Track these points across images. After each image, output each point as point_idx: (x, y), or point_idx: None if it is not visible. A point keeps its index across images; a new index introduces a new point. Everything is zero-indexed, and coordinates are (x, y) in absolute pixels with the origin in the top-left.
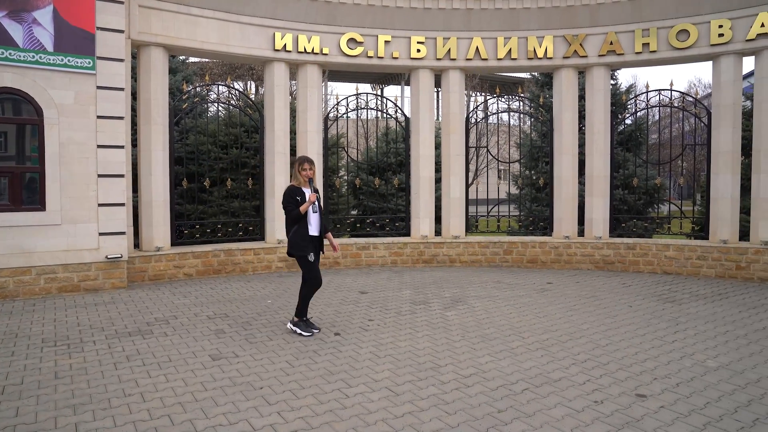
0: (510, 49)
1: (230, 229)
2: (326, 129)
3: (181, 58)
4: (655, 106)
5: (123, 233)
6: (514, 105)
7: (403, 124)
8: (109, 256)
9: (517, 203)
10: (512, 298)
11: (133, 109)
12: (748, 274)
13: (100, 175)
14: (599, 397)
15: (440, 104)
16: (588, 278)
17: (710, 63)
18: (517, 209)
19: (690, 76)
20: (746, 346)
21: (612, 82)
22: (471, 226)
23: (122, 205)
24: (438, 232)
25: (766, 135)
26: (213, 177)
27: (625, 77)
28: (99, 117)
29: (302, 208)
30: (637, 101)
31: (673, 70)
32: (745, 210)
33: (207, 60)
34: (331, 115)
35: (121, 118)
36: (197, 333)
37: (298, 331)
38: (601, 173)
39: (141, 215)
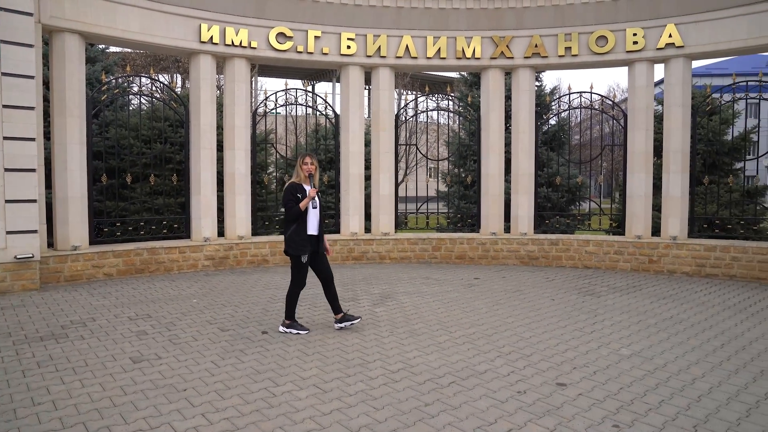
0: (439, 49)
1: (154, 227)
2: (254, 124)
3: (100, 46)
4: (577, 108)
5: (34, 231)
6: (444, 104)
7: (332, 120)
8: (18, 256)
9: (446, 200)
10: (440, 293)
11: (47, 100)
12: (659, 267)
13: (6, 170)
14: (522, 388)
15: (370, 101)
16: (514, 273)
17: (626, 68)
18: (446, 206)
19: (610, 81)
20: (656, 334)
21: (537, 83)
22: (401, 223)
23: (33, 201)
24: (368, 229)
25: (675, 137)
26: (136, 173)
27: (550, 79)
28: (5, 106)
29: (302, 204)
30: (560, 103)
31: (595, 73)
32: (657, 207)
33: (130, 50)
34: (259, 110)
35: (31, 108)
36: (117, 335)
37: (294, 332)
38: (526, 171)
39: (56, 213)
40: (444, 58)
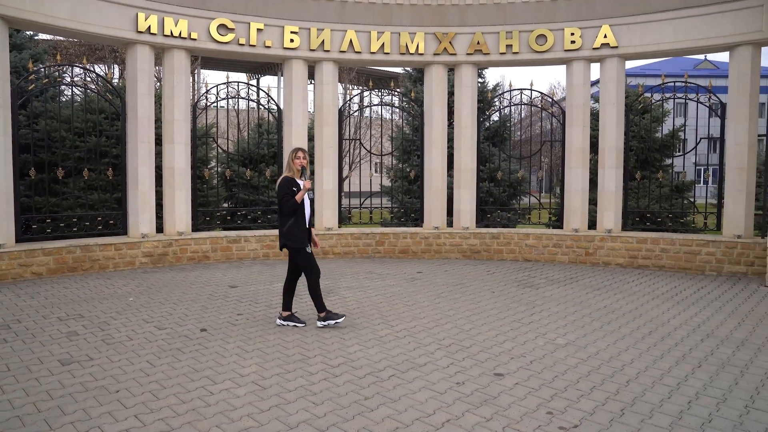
0: (383, 44)
1: (88, 223)
2: (195, 118)
3: (28, 33)
4: (517, 105)
5: None
6: (388, 99)
7: (276, 115)
8: None
9: (390, 195)
10: (383, 288)
11: None
12: (595, 259)
13: None
14: (461, 379)
15: (314, 96)
16: (456, 267)
17: (565, 67)
18: (390, 201)
19: (553, 79)
20: (590, 323)
21: (480, 80)
22: (345, 218)
23: None
24: (311, 224)
25: (610, 134)
26: (68, 167)
27: (494, 76)
28: None
29: (298, 197)
30: (502, 99)
31: (539, 71)
32: (594, 201)
33: (62, 38)
34: (200, 103)
35: None
36: (45, 337)
37: (332, 322)
38: (468, 166)
39: None
40: (388, 54)
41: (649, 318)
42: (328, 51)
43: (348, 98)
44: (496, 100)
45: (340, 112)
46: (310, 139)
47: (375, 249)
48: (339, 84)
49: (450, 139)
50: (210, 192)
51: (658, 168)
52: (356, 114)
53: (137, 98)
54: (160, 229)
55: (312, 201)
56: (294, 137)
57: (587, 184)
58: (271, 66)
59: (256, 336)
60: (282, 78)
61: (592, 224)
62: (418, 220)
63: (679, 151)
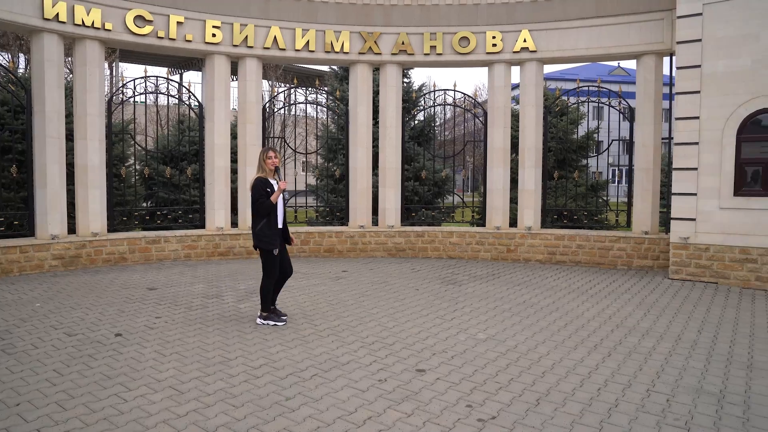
0: (308, 41)
1: None
2: (110, 113)
3: None
4: (441, 105)
5: None
6: (313, 97)
7: (197, 111)
8: None
9: (316, 194)
10: (307, 287)
11: None
12: (516, 256)
13: None
14: (383, 376)
15: (237, 93)
16: (381, 265)
17: (487, 69)
18: (316, 200)
19: (478, 81)
20: (510, 318)
21: (406, 80)
22: None
23: None
24: (235, 224)
25: (530, 135)
26: None
27: (420, 77)
28: None
29: (273, 197)
30: (426, 99)
31: (463, 73)
32: (515, 200)
33: None
34: (116, 98)
35: None
36: None
37: (271, 323)
38: (393, 165)
39: None
40: (313, 51)
41: (565, 311)
42: (251, 47)
43: (272, 96)
44: (420, 100)
45: (265, 109)
46: (234, 136)
47: (300, 248)
48: (264, 81)
49: (375, 139)
50: (128, 191)
51: (575, 168)
52: (281, 112)
53: (45, 91)
54: (72, 229)
55: (286, 201)
56: (216, 134)
57: (508, 183)
58: (196, 61)
59: (174, 339)
60: (204, 73)
61: (513, 222)
62: (343, 218)
63: (594, 153)
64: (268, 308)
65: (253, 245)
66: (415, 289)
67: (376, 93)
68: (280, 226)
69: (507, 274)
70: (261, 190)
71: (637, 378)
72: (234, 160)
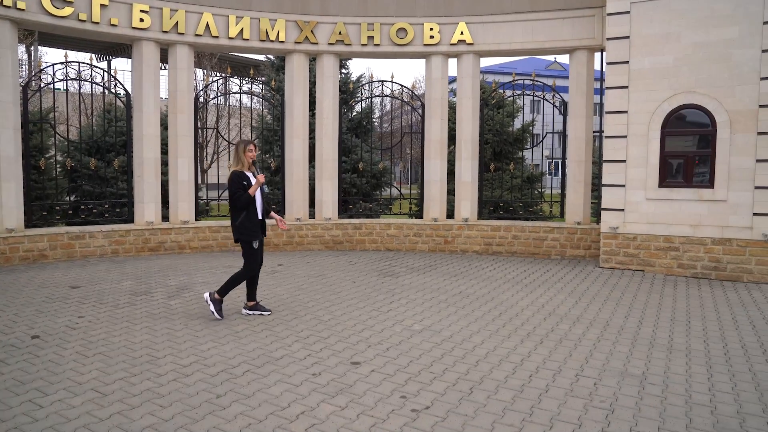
0: (242, 29)
1: None
2: (26, 100)
3: None
4: (379, 96)
5: None
6: (249, 87)
7: (124, 100)
8: None
9: None
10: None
11: None
12: (453, 247)
13: None
14: (318, 370)
15: (168, 81)
16: (318, 258)
17: (424, 61)
18: None
19: (417, 73)
20: (446, 308)
21: (344, 70)
22: (203, 210)
23: None
24: (166, 218)
25: (466, 127)
26: None
27: (359, 68)
28: None
29: (251, 191)
30: (363, 90)
31: (404, 65)
32: (453, 192)
33: None
34: (33, 84)
35: None
36: None
37: (214, 311)
38: (330, 157)
39: None
40: (247, 40)
41: (500, 301)
42: (182, 34)
43: (206, 85)
44: (358, 91)
45: (197, 99)
46: (165, 127)
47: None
48: (198, 70)
49: (312, 130)
50: (49, 184)
51: (511, 160)
52: (215, 102)
53: None
54: None
55: (266, 194)
56: (145, 125)
57: (445, 175)
58: (125, 47)
59: (98, 339)
60: (132, 60)
61: (450, 214)
62: (280, 211)
63: (532, 145)
64: (224, 294)
65: (234, 239)
66: (352, 282)
67: (313, 83)
68: (260, 217)
69: (444, 265)
70: (238, 183)
71: (567, 364)
72: (165, 151)
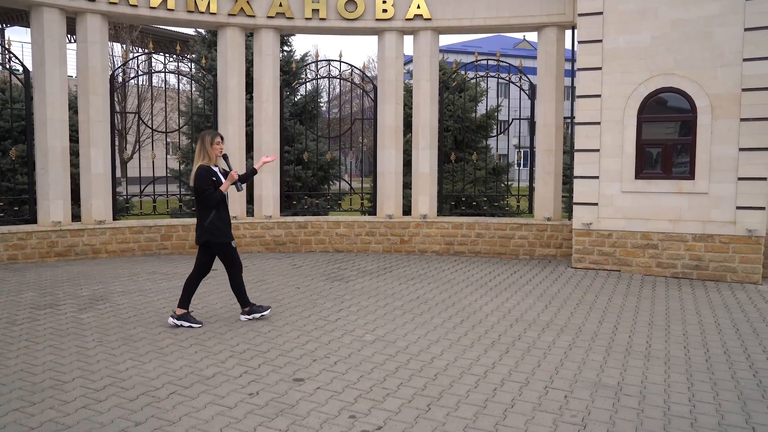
0: None
1: None
2: None
3: None
4: (325, 78)
5: None
6: (175, 65)
7: (23, 78)
8: None
9: (180, 180)
10: (168, 290)
11: None
12: (410, 248)
13: None
14: (255, 389)
15: (77, 57)
16: (257, 261)
17: (377, 38)
18: (179, 187)
19: (371, 52)
20: (401, 316)
21: (286, 48)
22: (122, 208)
23: None
24: (77, 217)
25: (424, 112)
26: None
27: (305, 45)
28: None
29: (223, 187)
30: (308, 71)
31: (353, 42)
32: (410, 185)
33: None
34: None
35: None
36: None
37: (258, 315)
38: (271, 147)
39: None
40: (172, 10)
41: (462, 306)
42: (93, 0)
43: (123, 62)
44: (303, 71)
45: (113, 78)
46: (75, 111)
47: (161, 245)
48: (116, 44)
49: (250, 116)
50: None
51: (475, 150)
52: (135, 82)
53: None
54: None
55: (239, 191)
56: (49, 108)
57: (401, 167)
58: (23, 14)
59: None
60: (31, 31)
61: (407, 210)
62: None
63: (498, 133)
64: (248, 302)
65: (195, 241)
66: (295, 288)
67: (250, 63)
68: (230, 216)
69: (400, 268)
70: (206, 179)
71: (535, 375)
72: (75, 139)
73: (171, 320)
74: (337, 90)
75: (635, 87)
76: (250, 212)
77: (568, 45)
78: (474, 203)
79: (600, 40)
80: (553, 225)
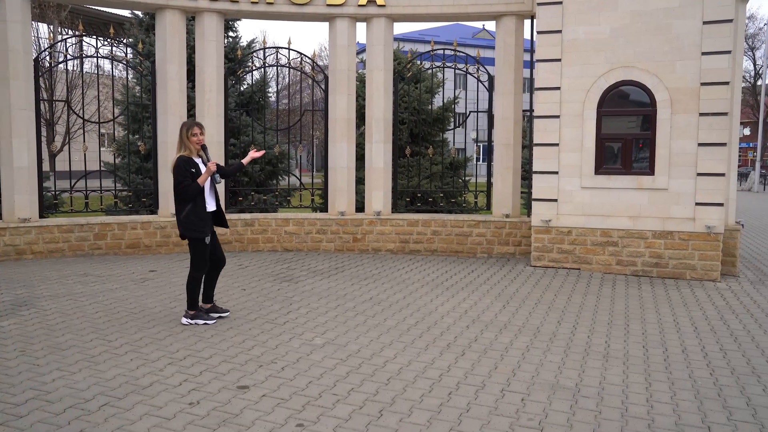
0: None
1: None
2: None
3: None
4: (273, 66)
5: None
6: (109, 50)
7: None
8: None
9: (115, 175)
10: (101, 293)
11: None
12: (364, 246)
13: None
14: (196, 397)
15: None
16: None
17: (328, 25)
18: (115, 182)
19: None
20: (353, 318)
21: (231, 34)
22: (50, 205)
23: None
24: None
25: (378, 104)
26: None
27: (252, 31)
28: None
29: (201, 180)
30: (255, 59)
31: (305, 29)
32: (363, 180)
33: None
34: None
35: None
36: None
37: (200, 322)
38: (215, 139)
39: None
40: None
41: (417, 307)
42: None
43: (50, 45)
44: (249, 59)
45: (38, 62)
46: None
47: (94, 244)
48: (43, 25)
49: (193, 106)
50: None
51: (431, 143)
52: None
53: None
54: None
55: (218, 182)
56: None
57: (354, 161)
58: None
59: None
60: None
61: (360, 207)
62: (152, 205)
63: (455, 126)
64: (197, 305)
65: (179, 234)
66: (241, 290)
67: (192, 49)
68: (211, 208)
69: (353, 267)
70: (184, 171)
71: (492, 377)
72: None
73: (184, 320)
74: (287, 80)
75: (595, 80)
76: None
77: (527, 35)
78: (430, 199)
79: (559, 31)
80: (511, 222)
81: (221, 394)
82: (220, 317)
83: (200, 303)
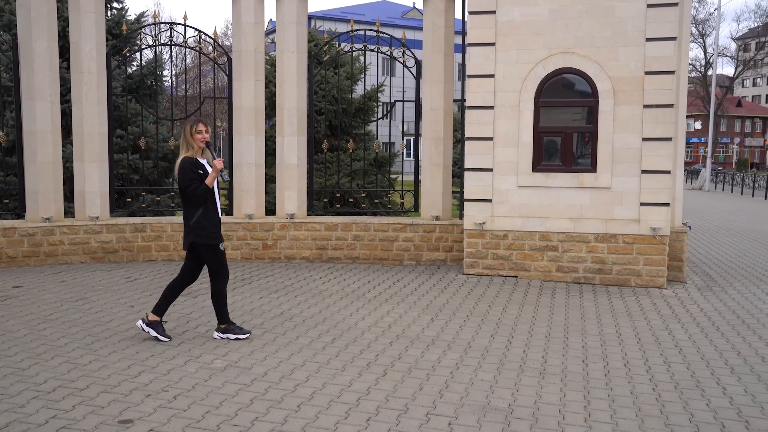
0: None
1: None
2: None
3: None
4: (166, 45)
5: None
6: None
7: None
8: None
9: None
10: None
11: None
12: (275, 253)
13: None
14: None
15: None
16: (80, 274)
17: (231, 1)
18: None
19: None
20: (260, 336)
21: (116, 5)
22: None
23: None
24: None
25: (290, 92)
26: None
27: (141, 4)
28: None
29: (209, 181)
30: (145, 36)
31: (205, 4)
32: (274, 179)
33: None
34: None
35: None
36: None
37: (233, 336)
38: (97, 129)
39: None
40: None
41: (334, 323)
42: None
43: None
44: (137, 36)
45: None
46: None
47: None
48: None
49: (68, 90)
50: None
51: (352, 137)
52: None
53: None
54: None
55: (225, 181)
56: None
57: (263, 157)
58: None
59: None
60: None
61: (271, 209)
62: (17, 208)
63: (378, 117)
64: (227, 318)
65: (183, 245)
66: (128, 306)
67: (66, 21)
68: (220, 214)
69: (262, 278)
70: (191, 173)
71: (416, 400)
72: None
73: (140, 323)
74: (186, 62)
75: (532, 67)
76: (69, 212)
77: (459, 15)
78: (351, 200)
79: (493, 11)
80: (442, 225)
81: (100, 429)
82: (157, 338)
83: (149, 313)
